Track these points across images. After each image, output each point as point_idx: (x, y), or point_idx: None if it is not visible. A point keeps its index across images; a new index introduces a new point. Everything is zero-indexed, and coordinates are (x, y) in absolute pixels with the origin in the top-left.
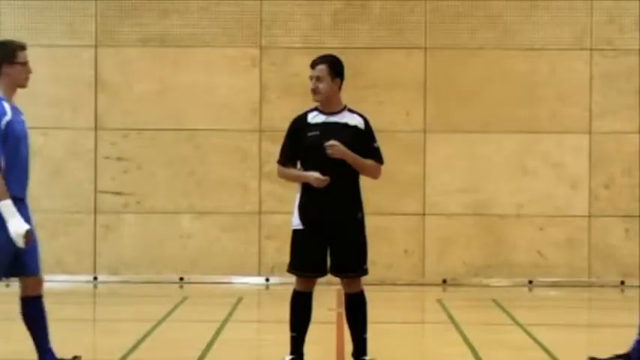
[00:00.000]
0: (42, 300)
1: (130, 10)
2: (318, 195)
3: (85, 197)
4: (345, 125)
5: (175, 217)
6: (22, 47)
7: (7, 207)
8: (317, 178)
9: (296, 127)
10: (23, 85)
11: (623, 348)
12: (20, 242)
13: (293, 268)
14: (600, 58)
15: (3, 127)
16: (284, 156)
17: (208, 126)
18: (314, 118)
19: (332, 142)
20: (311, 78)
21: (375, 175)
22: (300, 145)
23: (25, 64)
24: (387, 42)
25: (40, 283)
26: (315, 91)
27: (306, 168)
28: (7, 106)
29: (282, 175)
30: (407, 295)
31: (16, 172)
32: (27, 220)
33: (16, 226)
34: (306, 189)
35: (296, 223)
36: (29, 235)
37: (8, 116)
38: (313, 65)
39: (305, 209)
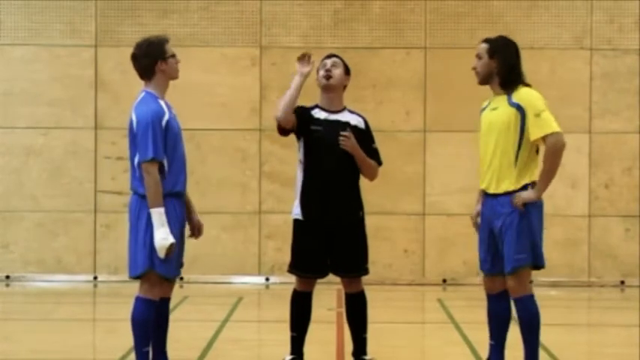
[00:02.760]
0: (168, 301)
1: (130, 10)
2: (319, 185)
3: (85, 197)
4: (347, 124)
5: None
6: (167, 40)
7: (159, 215)
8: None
9: (304, 108)
10: (175, 77)
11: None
12: (162, 253)
13: (294, 268)
14: (600, 58)
15: (164, 126)
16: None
17: (208, 126)
18: (316, 113)
19: (348, 133)
20: (324, 65)
21: (373, 175)
22: (304, 126)
23: (174, 55)
24: (387, 42)
25: (173, 285)
26: (328, 74)
27: (308, 162)
28: (163, 104)
29: (281, 108)
30: (407, 294)
31: (176, 168)
32: (183, 219)
33: (163, 238)
34: (308, 175)
35: (297, 212)
36: (172, 248)
37: (167, 115)
38: (329, 56)
39: (306, 200)
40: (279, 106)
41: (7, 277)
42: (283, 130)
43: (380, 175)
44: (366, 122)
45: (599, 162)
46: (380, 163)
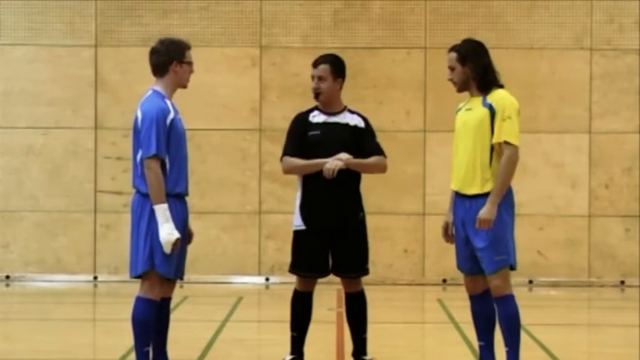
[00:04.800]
0: (169, 301)
1: (130, 10)
2: (319, 195)
3: (85, 197)
4: (346, 125)
5: None
6: (189, 47)
7: (163, 211)
8: (328, 169)
9: (299, 124)
10: (185, 85)
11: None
12: (167, 249)
13: (295, 268)
14: (600, 58)
15: (168, 125)
16: (289, 150)
17: (208, 126)
18: (315, 117)
19: (328, 165)
20: (313, 78)
21: (381, 170)
22: (304, 142)
23: (191, 64)
24: (387, 42)
25: (174, 285)
26: (316, 91)
27: None
28: (169, 104)
29: (288, 168)
30: (407, 294)
31: (178, 169)
32: (184, 219)
33: (168, 233)
34: (307, 189)
35: (297, 223)
36: (178, 244)
37: (172, 114)
38: (315, 64)
39: (307, 210)
40: (287, 164)
41: (7, 277)
42: None
43: (380, 175)
44: (366, 120)
45: (599, 162)
46: (385, 156)
